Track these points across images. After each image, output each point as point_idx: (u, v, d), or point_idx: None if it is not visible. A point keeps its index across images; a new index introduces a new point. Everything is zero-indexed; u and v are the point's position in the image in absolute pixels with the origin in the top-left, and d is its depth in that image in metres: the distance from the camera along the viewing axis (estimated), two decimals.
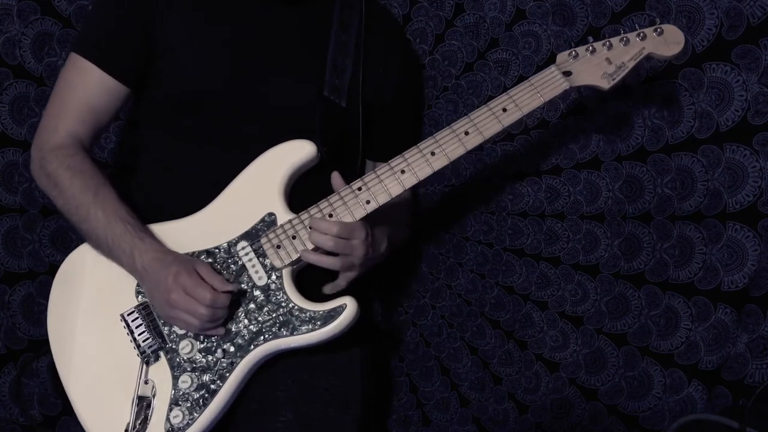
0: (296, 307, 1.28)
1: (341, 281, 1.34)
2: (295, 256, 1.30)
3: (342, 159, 1.46)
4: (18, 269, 1.78)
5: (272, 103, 1.38)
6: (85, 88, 1.36)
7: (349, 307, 1.27)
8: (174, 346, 1.29)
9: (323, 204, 1.31)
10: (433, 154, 1.31)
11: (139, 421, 1.24)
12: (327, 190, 1.33)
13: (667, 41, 1.32)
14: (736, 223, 1.56)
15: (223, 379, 1.26)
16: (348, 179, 1.35)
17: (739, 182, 1.54)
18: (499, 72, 1.80)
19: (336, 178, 1.32)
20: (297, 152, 1.34)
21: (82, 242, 1.38)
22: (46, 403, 1.82)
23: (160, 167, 1.41)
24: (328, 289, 1.35)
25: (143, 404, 1.25)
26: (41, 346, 1.77)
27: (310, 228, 1.29)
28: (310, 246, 1.30)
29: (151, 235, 1.29)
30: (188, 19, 1.37)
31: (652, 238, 1.68)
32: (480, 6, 1.79)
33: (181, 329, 1.29)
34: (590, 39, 1.34)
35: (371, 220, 1.33)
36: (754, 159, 1.52)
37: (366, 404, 1.46)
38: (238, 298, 1.29)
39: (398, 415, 2.05)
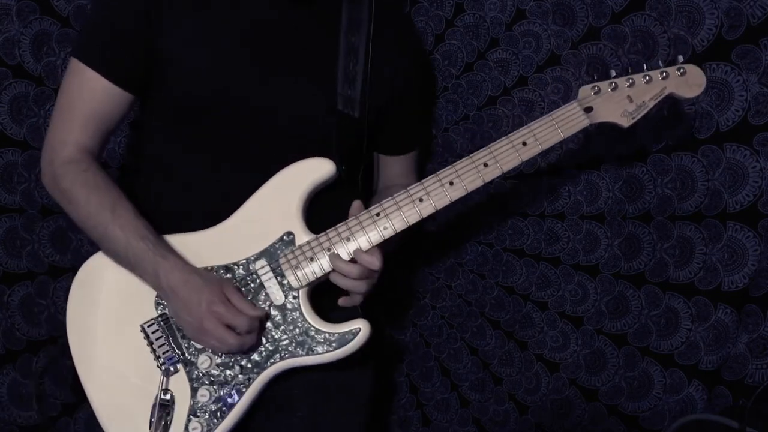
0: (312, 328, 1.30)
1: (357, 298, 1.35)
2: (312, 278, 1.31)
3: (356, 170, 1.48)
4: (17, 269, 1.78)
5: (284, 111, 1.36)
6: (90, 97, 1.33)
7: (363, 330, 1.30)
8: (192, 359, 1.31)
9: (341, 227, 1.31)
10: (451, 184, 1.31)
11: (159, 430, 1.27)
12: (341, 206, 1.33)
13: (689, 82, 1.30)
14: (737, 223, 1.56)
15: (240, 393, 1.29)
16: (361, 189, 1.34)
17: (739, 182, 1.55)
18: (499, 72, 1.80)
19: (356, 206, 1.33)
20: (316, 171, 1.34)
21: (84, 242, 1.38)
22: (45, 404, 1.81)
23: (164, 174, 1.40)
24: (342, 301, 1.35)
25: (163, 413, 1.28)
26: (41, 346, 1.79)
27: (351, 260, 1.30)
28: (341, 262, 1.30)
29: (174, 252, 1.29)
30: (197, 25, 1.34)
31: (652, 238, 1.68)
32: (480, 6, 1.79)
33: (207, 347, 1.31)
34: (612, 73, 1.32)
35: None
36: (754, 159, 1.52)
37: (372, 407, 1.49)
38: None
39: (398, 415, 2.05)
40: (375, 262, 1.29)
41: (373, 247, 1.31)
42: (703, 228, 1.61)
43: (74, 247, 1.82)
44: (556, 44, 1.71)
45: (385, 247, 1.40)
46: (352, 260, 1.30)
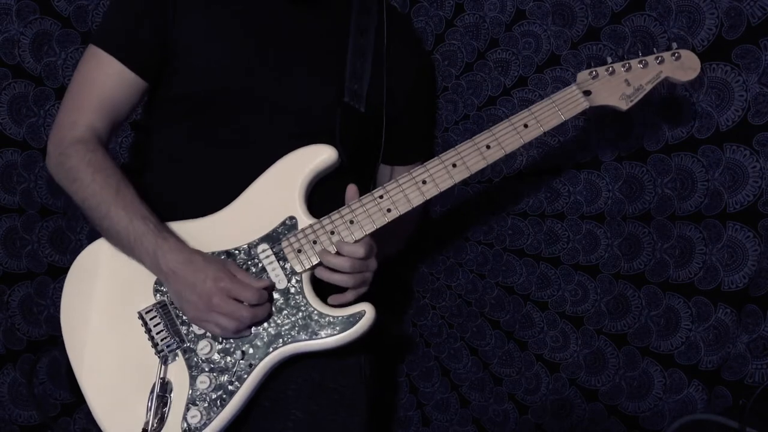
0: (315, 312, 1.29)
1: (350, 295, 1.33)
2: (315, 261, 1.30)
3: (359, 163, 1.47)
4: (17, 270, 1.78)
5: (291, 103, 1.38)
6: (105, 82, 1.35)
7: (368, 313, 1.29)
8: (192, 346, 1.29)
9: (344, 210, 1.31)
10: (454, 165, 1.32)
11: (156, 420, 1.24)
12: (343, 194, 1.33)
13: (683, 66, 1.34)
14: (737, 223, 1.56)
15: (240, 380, 1.27)
16: (363, 183, 1.35)
17: (739, 182, 1.55)
18: (499, 72, 1.80)
19: (351, 189, 1.33)
20: (318, 156, 1.34)
21: (83, 242, 1.38)
22: (45, 403, 1.81)
23: (175, 165, 1.41)
24: (333, 300, 1.33)
25: (160, 402, 1.25)
26: (41, 346, 1.79)
27: (336, 253, 1.29)
28: (333, 249, 1.30)
29: (174, 235, 1.28)
30: (208, 18, 1.37)
31: (652, 238, 1.68)
32: (480, 6, 1.79)
33: (209, 332, 1.29)
34: (609, 60, 1.35)
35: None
36: (754, 159, 1.52)
37: (371, 406, 1.47)
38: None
39: (398, 415, 2.05)
40: (359, 251, 1.28)
41: (363, 237, 1.30)
42: (703, 228, 1.61)
43: (73, 247, 1.82)
44: (556, 44, 1.71)
45: (385, 248, 1.40)
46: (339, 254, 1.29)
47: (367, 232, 1.31)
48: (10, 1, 1.68)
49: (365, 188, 1.36)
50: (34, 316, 1.80)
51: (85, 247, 1.38)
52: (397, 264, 1.92)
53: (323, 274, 1.30)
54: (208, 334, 1.29)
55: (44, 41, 1.74)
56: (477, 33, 1.81)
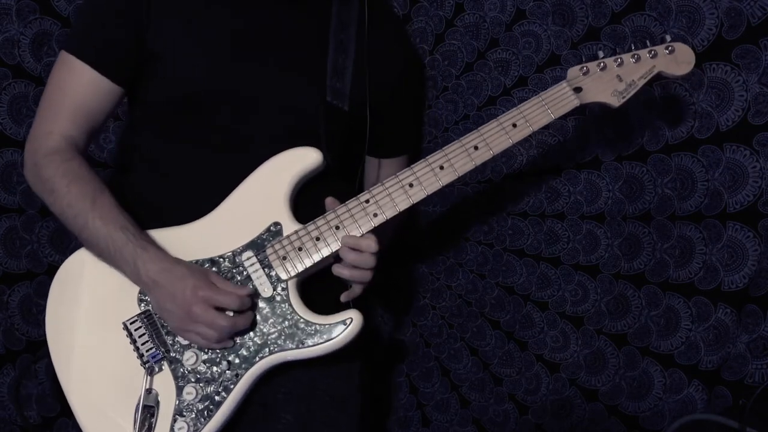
0: (302, 320, 1.27)
1: (357, 289, 1.33)
2: (301, 268, 1.28)
3: (345, 163, 1.46)
4: (16, 270, 1.78)
5: (274, 104, 1.36)
6: (78, 89, 1.33)
7: (354, 321, 1.27)
8: (177, 356, 1.27)
9: (330, 215, 1.29)
10: (441, 168, 1.29)
11: (143, 431, 1.22)
12: (329, 196, 1.32)
13: (677, 60, 1.30)
14: (737, 223, 1.56)
15: (227, 390, 1.25)
16: (349, 183, 1.33)
17: (739, 182, 1.55)
18: (499, 72, 1.80)
19: (329, 203, 1.31)
20: (303, 160, 1.32)
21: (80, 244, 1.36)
22: (44, 404, 1.81)
23: (157, 169, 1.39)
24: (344, 297, 1.33)
25: (147, 414, 1.23)
26: (40, 346, 1.79)
27: (348, 247, 1.27)
28: (325, 253, 1.29)
29: (155, 244, 1.26)
30: (186, 20, 1.34)
31: (652, 238, 1.68)
32: (480, 6, 1.79)
33: (193, 342, 1.27)
34: (600, 54, 1.32)
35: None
36: (754, 159, 1.52)
37: (363, 409, 1.45)
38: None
39: (398, 415, 2.05)
40: (372, 245, 1.26)
41: (366, 232, 1.28)
42: (703, 228, 1.61)
43: (73, 247, 1.80)
44: (556, 44, 1.71)
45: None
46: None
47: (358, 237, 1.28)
48: (10, 1, 1.68)
49: (352, 188, 1.34)
50: (33, 317, 1.79)
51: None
52: (396, 264, 1.92)
53: (341, 271, 1.28)
54: (194, 344, 1.26)
55: (44, 41, 1.74)
56: (477, 33, 1.81)
